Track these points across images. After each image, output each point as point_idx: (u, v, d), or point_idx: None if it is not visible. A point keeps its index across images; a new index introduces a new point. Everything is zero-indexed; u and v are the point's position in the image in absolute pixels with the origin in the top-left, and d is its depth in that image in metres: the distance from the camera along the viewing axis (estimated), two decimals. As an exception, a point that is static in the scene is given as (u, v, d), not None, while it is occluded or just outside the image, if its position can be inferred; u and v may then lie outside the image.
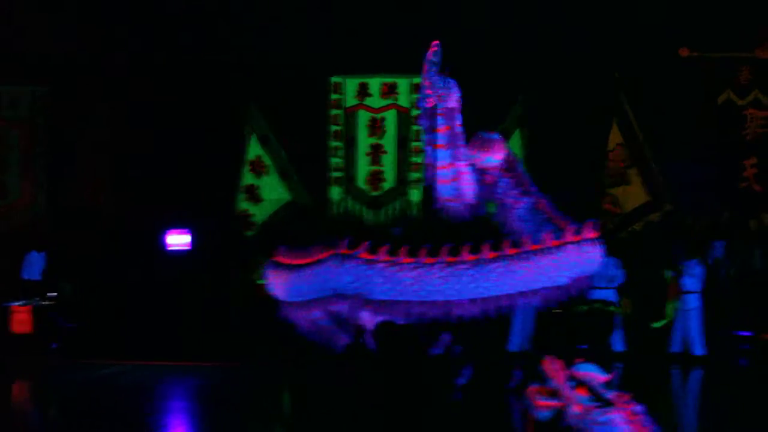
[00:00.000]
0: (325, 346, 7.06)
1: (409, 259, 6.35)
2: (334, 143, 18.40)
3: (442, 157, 6.79)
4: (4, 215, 18.76)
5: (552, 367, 6.84)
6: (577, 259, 6.34)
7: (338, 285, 6.49)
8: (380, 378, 6.91)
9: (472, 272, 6.27)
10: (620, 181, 17.82)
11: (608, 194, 17.82)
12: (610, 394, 6.73)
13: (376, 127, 18.35)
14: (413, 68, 7.17)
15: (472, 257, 6.30)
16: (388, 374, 6.90)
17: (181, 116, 17.74)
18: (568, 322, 14.60)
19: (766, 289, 16.56)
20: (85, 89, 18.19)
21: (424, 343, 6.99)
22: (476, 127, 7.09)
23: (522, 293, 6.34)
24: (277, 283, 6.92)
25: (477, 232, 6.77)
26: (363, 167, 18.41)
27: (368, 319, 6.80)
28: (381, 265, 6.37)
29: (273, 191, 18.41)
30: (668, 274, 16.11)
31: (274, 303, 6.99)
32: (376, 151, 18.36)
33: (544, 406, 6.81)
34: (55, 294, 17.05)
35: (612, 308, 15.58)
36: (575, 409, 6.69)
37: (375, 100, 18.39)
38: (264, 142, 18.39)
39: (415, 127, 17.66)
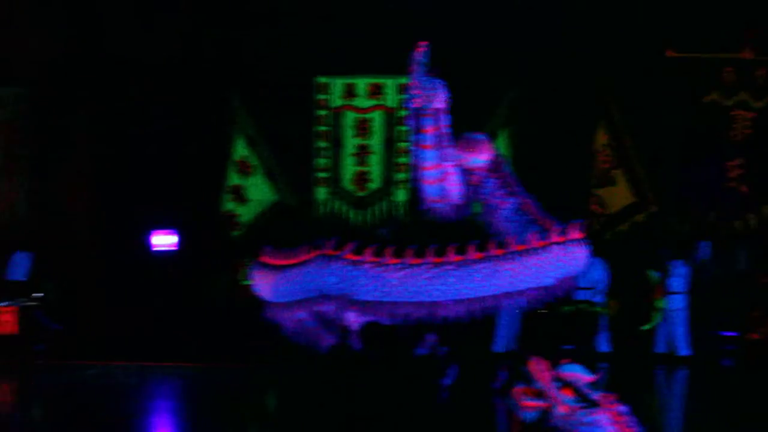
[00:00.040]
0: (311, 347, 7.06)
1: (395, 260, 6.34)
2: (321, 144, 18.39)
3: (429, 158, 6.79)
4: (-12, 216, 18.70)
5: (538, 367, 6.85)
6: (562, 260, 6.35)
7: (324, 286, 6.48)
8: (365, 379, 6.90)
9: (458, 273, 6.28)
10: (606, 182, 17.85)
11: (594, 195, 17.85)
12: (596, 395, 6.74)
13: (362, 128, 18.35)
14: (400, 69, 7.18)
15: (457, 258, 6.30)
16: (374, 375, 6.90)
17: (166, 116, 17.70)
18: (553, 323, 14.63)
19: (751, 290, 16.63)
20: (68, 90, 18.10)
21: (410, 343, 7.00)
22: (463, 127, 7.09)
23: (508, 294, 6.34)
24: (263, 284, 6.92)
25: (463, 232, 6.77)
26: (349, 168, 18.40)
27: (354, 319, 6.80)
28: (367, 265, 6.37)
29: (259, 192, 18.39)
30: (653, 274, 16.17)
31: (259, 303, 6.99)
32: (362, 152, 18.35)
33: (529, 406, 6.82)
34: (41, 295, 17.00)
35: (598, 309, 15.63)
36: (561, 410, 6.70)
37: (362, 101, 18.37)
38: (250, 142, 18.37)
39: (401, 128, 17.63)
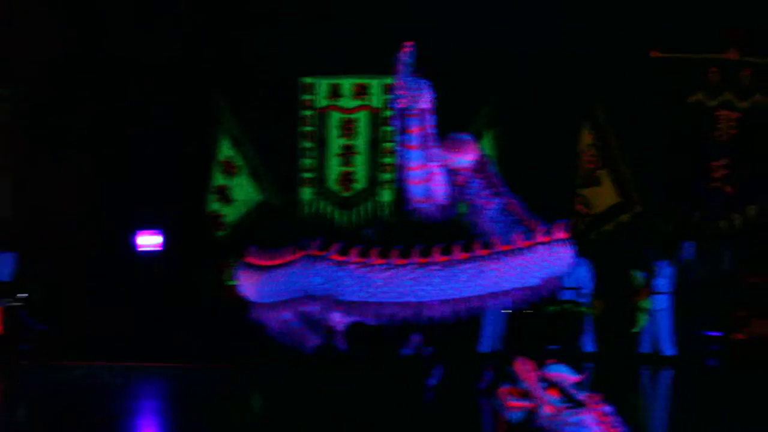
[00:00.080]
0: (296, 347, 7.05)
1: (380, 261, 6.34)
2: (306, 144, 18.37)
3: (414, 158, 6.78)
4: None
5: (523, 367, 6.85)
6: (547, 260, 6.35)
7: (309, 286, 6.47)
8: (351, 379, 6.90)
9: (444, 273, 6.27)
10: (591, 182, 17.88)
11: (579, 195, 17.88)
12: (581, 395, 6.75)
13: (347, 128, 18.34)
14: (385, 69, 7.17)
15: (443, 258, 6.30)
16: (359, 375, 6.90)
17: (151, 117, 17.67)
18: (538, 323, 14.66)
19: (735, 290, 16.68)
20: (54, 91, 18.04)
21: (395, 344, 7.00)
22: (448, 128, 7.09)
23: (493, 294, 6.34)
24: (248, 284, 6.91)
25: (448, 233, 6.77)
26: (334, 168, 18.39)
27: (339, 320, 6.79)
28: (352, 266, 6.36)
29: (244, 192, 18.37)
30: (638, 274, 16.20)
31: (244, 304, 6.97)
32: (347, 152, 18.35)
33: (515, 406, 6.83)
34: (26, 295, 16.93)
35: (583, 309, 15.65)
36: (546, 410, 6.70)
37: (347, 101, 18.37)
38: (235, 142, 18.35)
39: (387, 128, 17.65)
